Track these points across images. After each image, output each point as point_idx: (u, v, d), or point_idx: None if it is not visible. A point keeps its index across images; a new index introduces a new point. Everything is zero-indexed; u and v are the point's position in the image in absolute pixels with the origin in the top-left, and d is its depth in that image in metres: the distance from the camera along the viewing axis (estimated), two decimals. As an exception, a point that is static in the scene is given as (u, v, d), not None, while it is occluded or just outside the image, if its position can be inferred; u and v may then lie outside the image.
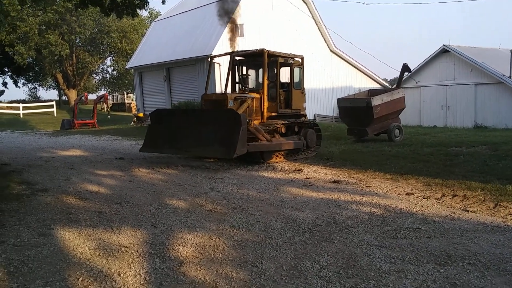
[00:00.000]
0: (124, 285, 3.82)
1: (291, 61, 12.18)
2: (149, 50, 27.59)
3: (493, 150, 12.07)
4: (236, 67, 12.30)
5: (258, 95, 11.41)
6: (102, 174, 9.44)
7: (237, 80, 12.27)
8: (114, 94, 51.95)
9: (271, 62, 11.75)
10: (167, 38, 26.55)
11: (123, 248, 4.71)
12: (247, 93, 11.39)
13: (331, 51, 26.83)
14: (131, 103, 47.18)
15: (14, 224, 5.57)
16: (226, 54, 12.07)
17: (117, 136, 19.35)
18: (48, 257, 4.43)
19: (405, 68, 16.43)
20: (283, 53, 12.06)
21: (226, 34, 21.60)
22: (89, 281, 3.89)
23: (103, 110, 38.80)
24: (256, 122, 10.93)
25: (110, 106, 38.63)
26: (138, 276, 4.01)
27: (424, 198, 7.08)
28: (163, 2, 12.67)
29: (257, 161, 10.66)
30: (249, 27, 23.05)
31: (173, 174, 9.46)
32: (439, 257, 4.40)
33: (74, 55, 40.82)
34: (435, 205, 6.63)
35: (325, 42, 26.48)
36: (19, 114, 36.56)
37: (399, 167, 9.97)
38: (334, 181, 8.55)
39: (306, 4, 25.34)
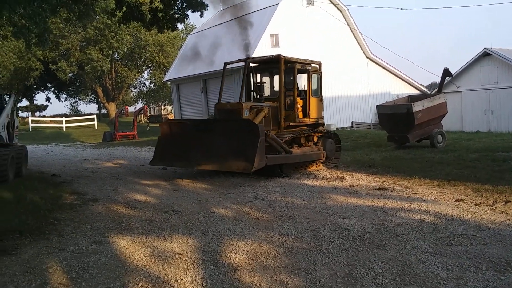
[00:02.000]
0: (182, 290, 3.90)
1: (308, 68, 11.55)
2: (186, 63, 28.11)
3: (543, 155, 11.63)
4: (251, 74, 11.59)
5: (274, 104, 10.85)
6: (148, 184, 9.67)
7: (251, 88, 11.60)
8: (151, 106, 53.08)
9: (288, 69, 11.05)
10: (203, 50, 26.98)
11: (177, 255, 4.81)
12: (263, 102, 10.93)
13: (367, 57, 26.61)
14: (167, 114, 48.13)
15: (71, 233, 5.78)
16: (240, 60, 11.28)
17: (157, 147, 19.73)
18: (107, 264, 4.58)
19: (446, 72, 16.10)
20: (300, 59, 11.44)
21: (261, 44, 21.85)
22: (149, 286, 4.00)
23: (141, 122, 39.73)
24: (273, 133, 10.19)
25: (148, 118, 39.56)
26: (194, 282, 4.08)
27: (475, 204, 6.89)
28: (201, 16, 12.96)
29: (276, 175, 9.99)
30: (285, 37, 23.19)
31: (216, 183, 9.56)
32: (498, 264, 4.28)
33: (113, 69, 42.05)
34: (488, 211, 6.44)
35: (361, 49, 26.30)
36: (62, 127, 37.87)
37: (445, 173, 9.74)
38: (379, 188, 8.44)
39: (341, 11, 25.29)
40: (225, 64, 11.67)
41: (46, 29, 13.32)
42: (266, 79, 11.94)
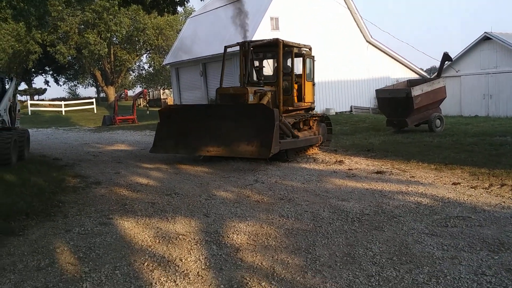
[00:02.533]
0: (187, 269, 4.04)
1: (303, 52, 11.48)
2: (185, 46, 28.02)
3: (540, 139, 11.76)
4: (249, 58, 10.98)
5: (273, 88, 10.77)
6: (149, 167, 9.78)
7: (249, 72, 11.13)
8: (150, 90, 52.96)
9: (286, 53, 10.95)
10: (202, 34, 26.90)
11: (180, 236, 4.95)
12: (263, 86, 10.74)
13: (367, 41, 26.53)
14: (166, 98, 48.06)
15: (76, 214, 5.91)
16: (237, 44, 10.90)
17: (157, 131, 19.81)
18: (112, 244, 4.71)
19: (446, 57, 16.15)
20: (295, 43, 11.35)
21: (262, 28, 21.77)
22: (154, 265, 4.14)
23: (140, 106, 39.71)
24: None
25: (147, 101, 39.48)
26: (198, 261, 4.22)
27: (471, 187, 7.03)
28: (202, -1, 12.92)
29: (282, 159, 9.91)
30: (285, 20, 23.09)
31: (216, 167, 9.67)
32: (492, 245, 4.42)
33: (111, 53, 41.84)
34: (483, 194, 6.59)
35: (361, 32, 26.21)
36: (61, 111, 37.85)
37: (442, 157, 9.86)
38: (377, 172, 8.56)
39: (341, -5, 25.13)
40: (226, 47, 11.22)
41: (46, 11, 13.27)
42: (264, 63, 11.68)
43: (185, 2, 12.53)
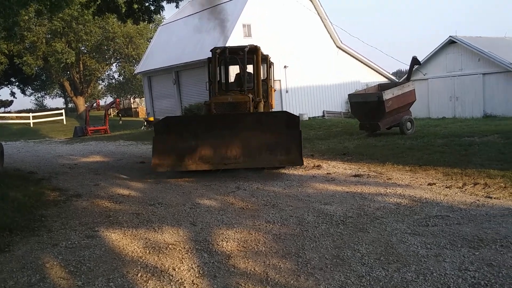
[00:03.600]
0: (181, 278, 4.09)
1: (270, 58, 11.50)
2: (157, 54, 27.90)
3: (505, 138, 12.22)
4: (224, 65, 10.71)
5: (252, 95, 10.54)
6: (128, 178, 9.72)
7: (223, 79, 10.98)
8: (120, 99, 52.33)
9: (262, 60, 10.98)
10: (175, 42, 26.86)
11: (170, 246, 4.98)
12: (245, 94, 10.42)
13: (337, 47, 27.06)
14: (137, 107, 47.60)
15: (60, 228, 5.85)
16: (225, 48, 10.57)
17: (131, 141, 19.64)
18: (103, 257, 4.71)
19: (415, 61, 16.60)
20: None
21: (234, 35, 21.92)
22: (148, 276, 4.16)
23: (111, 116, 39.20)
24: None
25: (117, 111, 38.95)
26: (192, 270, 4.27)
27: (446, 187, 7.30)
28: (177, 6, 13.00)
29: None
30: (257, 27, 23.32)
31: (197, 175, 9.68)
32: (472, 241, 4.64)
33: (80, 62, 41.21)
34: (458, 193, 6.86)
35: (332, 38, 26.72)
36: (29, 123, 37.01)
37: (416, 158, 10.17)
38: (355, 175, 8.77)
39: (311, 1, 25.58)
40: (214, 51, 10.57)
41: (15, 23, 13.04)
42: (236, 70, 11.57)
43: (161, 11, 12.58)
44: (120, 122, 27.82)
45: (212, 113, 9.72)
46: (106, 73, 49.38)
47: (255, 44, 10.78)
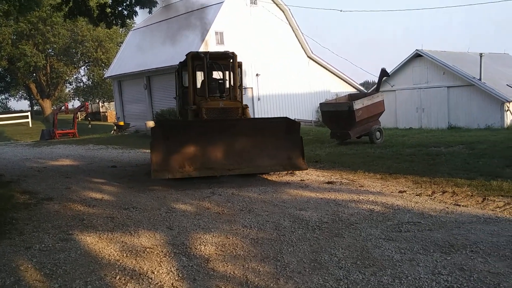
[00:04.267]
0: (160, 281, 4.08)
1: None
2: (128, 59, 27.59)
3: (470, 149, 12.68)
4: (202, 71, 10.31)
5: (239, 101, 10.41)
6: (100, 182, 9.58)
7: (197, 85, 10.65)
8: (89, 103, 51.30)
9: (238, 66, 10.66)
10: (146, 47, 26.63)
11: (147, 249, 4.95)
12: (224, 99, 10.30)
13: (308, 57, 27.45)
14: (106, 112, 46.77)
15: (32, 231, 5.72)
16: (204, 53, 10.31)
17: (101, 145, 19.33)
18: (79, 260, 4.63)
19: (384, 72, 17.07)
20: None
21: (207, 42, 21.94)
22: (126, 279, 4.13)
23: (78, 120, 38.41)
24: None
25: (85, 115, 38.15)
26: (171, 273, 4.26)
27: (416, 195, 7.52)
28: (150, 12, 12.91)
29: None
30: (229, 35, 23.42)
31: (170, 180, 9.63)
32: (443, 247, 4.81)
33: (48, 65, 40.27)
34: (428, 201, 7.08)
35: (303, 48, 27.10)
36: (-8, 125, 35.86)
37: (386, 167, 10.43)
38: (328, 182, 8.93)
39: (283, 11, 25.92)
40: (191, 56, 10.17)
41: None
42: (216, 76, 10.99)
43: (134, 16, 12.47)
44: (89, 126, 27.32)
45: (203, 119, 9.44)
46: (74, 76, 48.44)
47: (231, 51, 10.60)
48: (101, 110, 47.88)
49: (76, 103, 56.15)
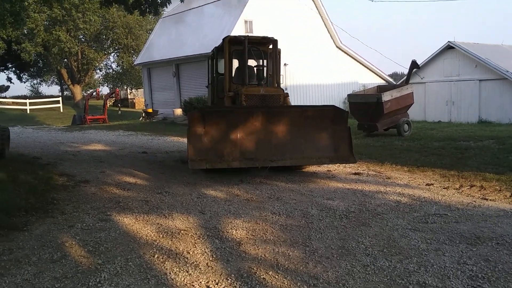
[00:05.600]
0: (196, 261, 4.31)
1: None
2: (157, 46, 28.00)
3: (500, 144, 12.55)
4: (239, 57, 9.77)
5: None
6: (132, 167, 9.92)
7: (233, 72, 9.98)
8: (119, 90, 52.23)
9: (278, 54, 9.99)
10: (176, 35, 26.97)
11: (182, 231, 5.21)
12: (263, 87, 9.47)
13: (337, 47, 27.29)
14: (134, 99, 47.58)
15: (73, 211, 6.06)
16: (242, 37, 9.50)
17: (130, 131, 19.82)
18: (118, 239, 4.92)
19: (414, 64, 16.91)
20: None
21: (236, 30, 22.07)
22: (164, 257, 4.39)
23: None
24: None
25: (112, 101, 38.94)
26: (205, 254, 4.50)
27: (443, 188, 7.58)
28: (182, 0, 13.13)
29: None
30: (258, 24, 23.48)
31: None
32: (469, 239, 4.90)
33: (79, 51, 41.14)
34: (455, 194, 7.13)
35: (331, 38, 26.94)
36: (26, 109, 36.95)
37: (413, 160, 10.46)
38: (355, 173, 9.04)
39: (313, 0, 25.77)
40: (229, 40, 9.38)
41: (22, 8, 13.12)
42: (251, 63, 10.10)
43: (167, 4, 12.69)
44: (119, 112, 27.93)
45: (242, 105, 8.72)
46: (104, 63, 49.31)
47: (272, 36, 9.81)
48: (129, 97, 48.78)
49: (105, 90, 57.27)
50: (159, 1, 12.38)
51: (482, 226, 5.32)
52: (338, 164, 8.89)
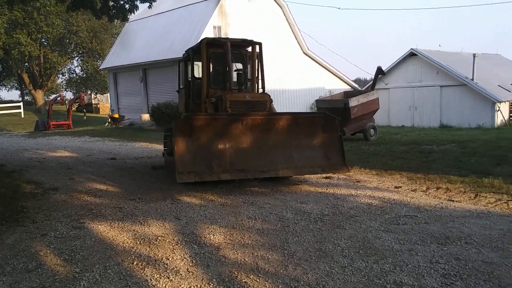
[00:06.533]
0: (176, 267, 4.31)
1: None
2: (124, 51, 27.61)
3: (462, 147, 13.05)
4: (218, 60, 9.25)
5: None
6: (102, 173, 9.76)
7: (188, 76, 9.68)
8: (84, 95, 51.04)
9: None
10: (143, 39, 26.70)
11: (159, 238, 5.18)
12: (263, 92, 9.38)
13: (304, 53, 27.65)
14: (98, 104, 46.63)
15: (44, 219, 5.92)
16: (221, 39, 9.48)
17: (97, 137, 19.44)
18: (94, 246, 4.85)
19: (379, 70, 17.38)
20: None
21: (205, 35, 22.04)
22: (143, 264, 4.36)
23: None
24: None
25: (76, 107, 37.99)
26: (185, 259, 4.50)
27: (411, 190, 7.83)
28: (150, 6, 13.06)
29: None
30: (227, 29, 23.54)
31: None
32: (439, 239, 5.09)
33: (41, 55, 40.05)
34: (423, 196, 7.38)
35: (299, 44, 27.27)
36: (-16, 115, 35.61)
37: (381, 163, 10.73)
38: (326, 177, 9.20)
39: (280, 7, 26.07)
40: (207, 42, 8.99)
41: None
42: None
43: (135, 10, 12.58)
44: (85, 118, 27.34)
45: (227, 112, 8.17)
46: (67, 67, 48.17)
47: (251, 39, 9.36)
48: (93, 102, 47.77)
49: (68, 95, 55.86)
50: (127, 7, 12.28)
51: (451, 227, 5.54)
52: (330, 173, 8.58)
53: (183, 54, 10.13)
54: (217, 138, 7.52)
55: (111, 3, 12.03)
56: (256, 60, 9.24)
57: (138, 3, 12.58)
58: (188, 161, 7.23)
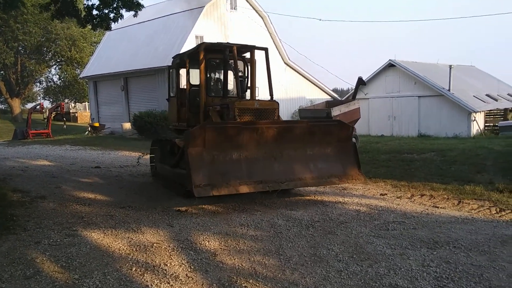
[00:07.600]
0: (175, 272, 4.35)
1: None
2: (105, 60, 27.45)
3: (441, 156, 13.37)
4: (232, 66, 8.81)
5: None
6: (88, 182, 9.69)
7: (181, 84, 9.49)
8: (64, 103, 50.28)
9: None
10: (124, 48, 26.59)
11: (155, 244, 5.21)
12: (272, 100, 9.13)
13: (285, 63, 27.95)
14: (76, 112, 46.00)
15: (36, 227, 5.87)
16: (220, 44, 9.20)
17: (78, 146, 19.23)
18: (90, 253, 4.85)
19: (360, 81, 17.75)
20: None
21: (187, 45, 22.12)
22: (142, 270, 4.39)
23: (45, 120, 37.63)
24: None
25: (53, 115, 37.38)
26: (183, 265, 4.54)
27: (397, 197, 8.03)
28: (135, 15, 13.07)
29: None
30: (209, 39, 23.67)
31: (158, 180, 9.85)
32: (428, 243, 5.26)
33: (18, 62, 39.40)
34: (409, 203, 7.58)
35: (280, 55, 27.57)
36: (-41, 124, 34.80)
37: (365, 171, 10.75)
38: (312, 185, 9.33)
39: (262, 18, 26.38)
40: (205, 47, 8.64)
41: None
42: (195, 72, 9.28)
43: (120, 19, 12.58)
44: (65, 126, 26.97)
45: (235, 120, 7.75)
46: (46, 75, 47.43)
47: (232, 43, 9.06)
48: (71, 111, 47.10)
49: (45, 103, 54.93)
50: (112, 16, 12.26)
51: (438, 232, 5.72)
52: (347, 183, 8.26)
53: (173, 61, 9.91)
54: (233, 148, 7.01)
55: (95, 12, 12.02)
56: (253, 67, 9.28)
57: (123, 11, 12.60)
58: (204, 173, 6.61)
